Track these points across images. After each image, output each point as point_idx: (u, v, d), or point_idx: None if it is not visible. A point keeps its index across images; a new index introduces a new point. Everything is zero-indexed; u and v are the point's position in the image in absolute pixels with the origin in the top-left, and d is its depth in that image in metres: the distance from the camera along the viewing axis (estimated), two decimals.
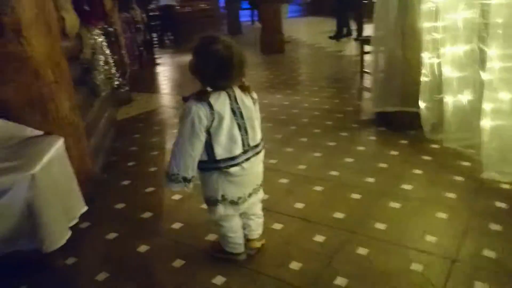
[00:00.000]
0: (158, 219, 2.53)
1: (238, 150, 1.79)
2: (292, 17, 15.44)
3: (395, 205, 2.45)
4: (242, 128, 1.79)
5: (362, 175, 2.86)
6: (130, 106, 5.22)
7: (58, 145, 2.25)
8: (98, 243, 2.33)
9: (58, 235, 2.05)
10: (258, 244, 2.12)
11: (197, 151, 1.74)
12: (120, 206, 2.70)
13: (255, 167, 1.91)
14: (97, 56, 3.02)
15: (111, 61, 3.41)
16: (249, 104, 1.83)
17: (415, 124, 3.42)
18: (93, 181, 2.79)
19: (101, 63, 3.06)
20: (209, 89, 1.75)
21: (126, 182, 3.05)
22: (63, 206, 2.16)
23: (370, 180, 2.78)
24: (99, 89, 3.09)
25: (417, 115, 3.36)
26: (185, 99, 1.79)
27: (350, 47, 8.14)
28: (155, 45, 11.58)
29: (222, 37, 1.74)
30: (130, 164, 3.38)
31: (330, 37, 9.16)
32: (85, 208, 2.44)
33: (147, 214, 2.58)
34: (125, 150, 3.70)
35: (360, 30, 8.66)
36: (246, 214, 2.08)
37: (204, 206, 2.00)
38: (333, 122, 4.00)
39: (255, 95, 1.91)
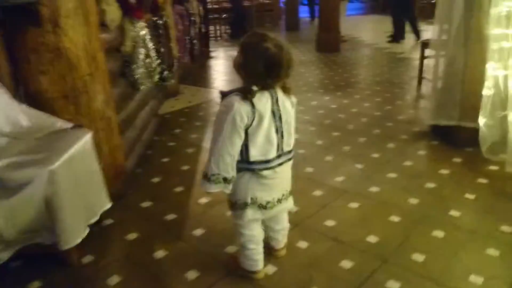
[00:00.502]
0: (181, 222, 2.44)
1: (273, 153, 1.73)
2: (353, 15, 14.91)
3: (439, 233, 2.18)
4: (279, 132, 1.73)
5: (405, 194, 2.59)
6: (176, 99, 5.22)
7: (85, 140, 2.22)
8: (117, 243, 2.28)
9: (74, 232, 2.01)
10: (283, 252, 2.08)
11: (237, 150, 1.67)
12: (146, 204, 2.65)
13: (286, 172, 1.86)
14: (138, 49, 2.98)
15: (153, 54, 3.37)
16: (289, 107, 1.76)
17: (473, 141, 3.07)
18: (123, 176, 2.76)
19: (142, 56, 3.02)
20: (254, 87, 1.64)
21: (157, 179, 3.00)
22: (84, 203, 2.13)
23: (414, 201, 2.51)
24: (138, 83, 3.05)
25: (476, 132, 3.01)
26: (224, 94, 1.71)
27: (412, 50, 7.64)
28: (211, 38, 11.71)
29: (271, 35, 1.65)
30: (164, 160, 3.33)
31: (389, 41, 8.66)
32: (109, 205, 2.40)
33: (171, 216, 2.50)
34: (163, 145, 3.67)
35: (416, 32, 8.19)
36: (272, 228, 2.00)
37: (229, 213, 1.88)
38: (381, 131, 3.71)
39: (294, 99, 1.81)
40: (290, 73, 1.68)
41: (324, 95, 5.04)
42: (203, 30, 8.89)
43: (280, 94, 1.71)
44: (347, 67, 6.62)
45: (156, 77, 3.46)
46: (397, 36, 8.79)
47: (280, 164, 1.77)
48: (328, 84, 5.60)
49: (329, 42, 8.07)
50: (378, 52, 7.95)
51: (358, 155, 3.21)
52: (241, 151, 1.69)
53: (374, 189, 2.68)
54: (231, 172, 1.69)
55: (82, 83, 2.36)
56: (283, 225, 2.04)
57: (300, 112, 4.33)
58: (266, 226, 2.00)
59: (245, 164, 1.72)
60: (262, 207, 1.80)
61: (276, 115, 1.70)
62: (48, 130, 2.22)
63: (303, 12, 13.77)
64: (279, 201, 1.85)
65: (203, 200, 2.65)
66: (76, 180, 2.06)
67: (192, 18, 7.01)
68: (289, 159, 1.83)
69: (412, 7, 8.50)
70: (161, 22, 4.28)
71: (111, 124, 2.60)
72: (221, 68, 7.47)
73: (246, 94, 1.63)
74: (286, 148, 1.78)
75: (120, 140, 2.72)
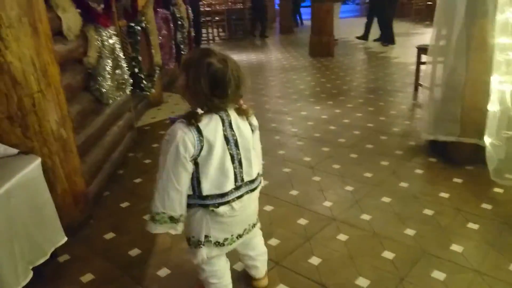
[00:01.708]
0: (145, 259, 2.14)
1: (229, 185, 1.49)
2: (348, 17, 14.67)
3: (439, 275, 1.89)
4: (236, 160, 1.50)
5: (400, 223, 2.31)
6: (158, 109, 4.93)
7: (31, 168, 1.92)
8: (70, 286, 1.97)
9: (12, 280, 1.71)
10: (265, 282, 1.88)
11: (184, 185, 1.45)
12: (109, 236, 2.35)
13: (248, 207, 1.60)
14: (105, 60, 2.67)
15: (124, 64, 3.07)
16: (246, 131, 1.53)
17: (475, 159, 2.80)
18: (84, 203, 2.46)
19: (109, 68, 2.71)
20: (199, 111, 1.43)
21: (125, 204, 2.70)
22: (26, 243, 1.83)
23: (410, 232, 2.22)
24: (105, 96, 2.75)
25: (478, 148, 2.74)
26: (172, 121, 1.47)
27: (407, 54, 7.37)
28: (203, 41, 11.42)
29: (216, 50, 1.46)
30: (136, 181, 3.03)
31: (357, 37, 8.65)
32: (64, 240, 2.11)
33: (135, 251, 2.20)
34: (137, 162, 3.37)
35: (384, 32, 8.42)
36: (248, 256, 1.79)
37: None
38: (374, 146, 3.42)
39: (255, 121, 1.60)
40: (242, 92, 1.47)
41: (314, 104, 4.75)
42: (192, 34, 8.63)
43: (233, 117, 1.49)
44: (340, 73, 6.34)
45: (129, 88, 3.15)
46: (386, 39, 8.62)
47: (240, 197, 1.52)
48: (319, 92, 5.31)
49: (322, 46, 7.80)
50: (372, 56, 7.68)
51: (348, 175, 2.92)
52: (192, 185, 1.48)
53: (365, 217, 2.39)
54: (179, 210, 1.48)
55: (30, 102, 2.06)
56: (260, 250, 1.82)
57: (288, 124, 4.05)
58: (242, 255, 1.79)
59: (198, 199, 1.50)
60: (219, 244, 1.57)
61: (231, 141, 1.48)
62: None
63: (304, 14, 13.49)
64: (240, 236, 1.62)
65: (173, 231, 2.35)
66: (14, 219, 1.75)
67: (179, 22, 6.72)
68: (252, 190, 1.57)
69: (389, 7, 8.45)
70: (138, 28, 3.99)
71: (67, 145, 2.29)
72: None
73: (190, 119, 1.41)
74: (246, 178, 1.54)
75: (80, 163, 2.41)
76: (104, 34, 2.74)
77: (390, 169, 2.99)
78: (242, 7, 12.08)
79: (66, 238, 2.13)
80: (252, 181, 1.56)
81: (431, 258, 2.01)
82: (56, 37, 2.31)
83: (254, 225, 1.68)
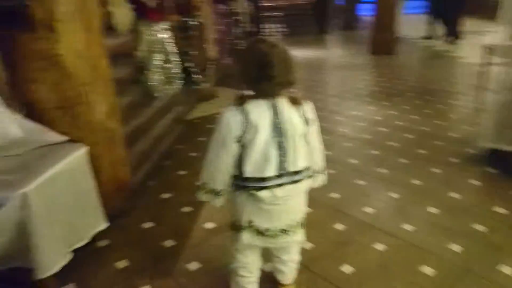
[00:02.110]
0: (178, 251, 2.18)
1: (271, 171, 1.48)
2: (413, 14, 13.93)
3: None
4: (282, 148, 1.48)
5: (446, 237, 2.15)
6: (210, 103, 5.00)
7: (75, 155, 2.03)
8: (104, 272, 2.05)
9: (52, 260, 1.81)
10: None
11: (225, 164, 1.51)
12: (147, 225, 2.42)
13: (292, 199, 1.56)
14: (154, 54, 2.75)
15: (174, 59, 3.14)
16: (297, 121, 1.49)
17: None
18: (127, 192, 2.56)
19: (158, 62, 2.79)
20: (249, 94, 1.48)
21: (167, 195, 2.77)
22: (68, 227, 1.93)
23: (456, 248, 2.06)
24: (154, 89, 2.83)
25: None
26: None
27: (474, 54, 6.84)
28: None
29: (271, 39, 1.48)
30: (181, 173, 3.10)
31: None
32: (104, 226, 2.21)
33: (169, 242, 2.25)
34: (184, 155, 3.44)
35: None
36: (279, 259, 1.76)
37: None
38: (427, 152, 3.22)
39: (310, 114, 1.54)
40: (292, 79, 1.45)
41: (369, 104, 4.57)
42: (252, 29, 8.67)
43: (284, 105, 1.48)
44: (400, 72, 6.05)
45: (178, 82, 3.23)
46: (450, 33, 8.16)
47: (281, 185, 1.50)
48: (376, 91, 5.10)
49: (383, 43, 7.49)
50: (436, 55, 7.24)
51: (395, 181, 2.77)
52: (238, 165, 1.51)
53: (407, 227, 2.26)
54: (218, 186, 1.55)
55: (78, 93, 2.17)
56: (291, 257, 1.77)
57: (338, 124, 3.94)
58: (274, 257, 1.77)
59: (240, 181, 1.52)
60: (260, 233, 1.57)
61: (279, 128, 1.47)
62: (39, 144, 2.05)
63: (364, 10, 13.05)
64: (284, 231, 1.59)
65: (209, 225, 2.38)
66: (58, 202, 1.86)
67: (237, 17, 6.78)
68: (295, 182, 1.53)
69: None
70: (192, 23, 4.07)
71: (113, 136, 2.40)
72: None
73: (238, 101, 1.46)
74: (291, 168, 1.50)
75: (125, 153, 2.51)
76: (154, 29, 2.82)
77: (442, 177, 2.80)
78: (304, 2, 11.91)
79: (106, 224, 2.23)
80: (296, 173, 1.52)
81: (475, 278, 1.85)
82: (107, 31, 2.42)
83: (298, 225, 1.63)
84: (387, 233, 2.21)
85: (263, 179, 1.48)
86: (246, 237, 1.57)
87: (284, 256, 1.75)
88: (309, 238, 2.18)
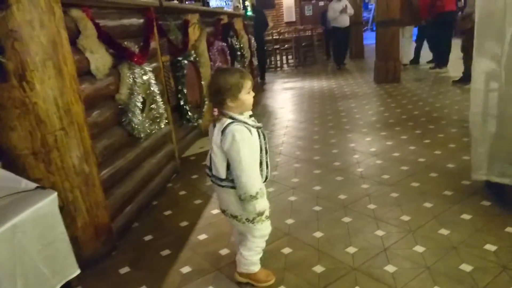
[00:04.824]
0: None
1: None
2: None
3: None
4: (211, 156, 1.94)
5: (428, 280, 2.02)
6: (207, 139, 5.00)
7: (45, 202, 2.02)
8: None
9: None
10: (236, 278, 2.15)
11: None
12: (124, 270, 2.38)
13: (220, 193, 1.98)
14: (136, 96, 2.78)
15: (159, 100, 3.16)
16: (215, 137, 1.87)
17: None
18: (106, 236, 2.53)
19: (139, 104, 2.82)
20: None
21: (148, 238, 2.73)
22: (35, 276, 1.90)
23: None
24: (136, 131, 2.85)
25: None
26: None
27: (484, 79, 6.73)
28: (270, 69, 11.58)
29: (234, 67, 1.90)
30: (166, 213, 3.07)
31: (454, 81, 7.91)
32: (76, 272, 2.17)
33: None
34: (173, 193, 3.42)
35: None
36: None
37: None
38: (420, 185, 3.10)
39: (229, 136, 1.78)
40: (222, 100, 1.81)
41: (366, 135, 4.50)
42: (255, 63, 8.79)
43: (219, 122, 1.86)
44: (402, 101, 5.97)
45: (163, 122, 3.24)
46: (440, 61, 8.36)
47: (210, 178, 1.99)
48: (375, 121, 5.03)
49: (387, 72, 7.47)
50: (442, 82, 7.13)
51: (384, 218, 2.66)
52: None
53: (390, 268, 2.14)
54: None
55: (53, 139, 2.20)
56: (240, 248, 2.10)
57: (332, 157, 3.86)
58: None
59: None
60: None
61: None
62: (8, 192, 2.06)
63: (370, 39, 13.13)
64: (224, 212, 2.03)
65: (185, 269, 2.31)
66: (20, 253, 1.84)
67: (238, 53, 6.88)
68: (219, 185, 1.93)
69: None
70: (185, 62, 4.14)
71: (90, 179, 2.39)
72: (269, 102, 7.17)
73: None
74: (214, 172, 1.92)
75: (103, 196, 2.50)
76: (137, 71, 2.86)
77: (433, 212, 2.67)
78: (310, 34, 12.07)
79: (78, 271, 2.19)
80: (218, 178, 1.90)
81: None
82: (84, 76, 2.47)
83: (237, 218, 1.95)
84: (368, 276, 2.10)
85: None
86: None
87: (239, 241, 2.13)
88: (285, 282, 2.11)
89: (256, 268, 2.07)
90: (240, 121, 1.82)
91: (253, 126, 1.85)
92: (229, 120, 1.81)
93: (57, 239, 2.09)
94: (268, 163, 1.95)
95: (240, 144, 1.74)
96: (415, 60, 9.27)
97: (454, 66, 7.78)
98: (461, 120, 4.70)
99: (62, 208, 2.19)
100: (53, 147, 2.21)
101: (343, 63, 10.43)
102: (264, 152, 1.90)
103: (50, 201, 2.06)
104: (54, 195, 2.10)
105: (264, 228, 2.00)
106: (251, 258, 2.05)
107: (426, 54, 9.03)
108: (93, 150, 2.43)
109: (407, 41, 9.04)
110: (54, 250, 2.06)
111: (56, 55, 2.16)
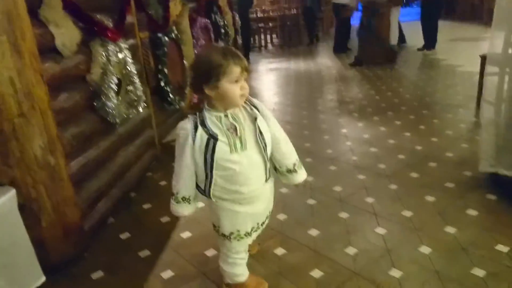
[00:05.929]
0: None
1: None
2: (411, 21, 13.71)
3: None
4: None
5: (438, 286, 1.82)
6: None
7: (1, 201, 1.72)
8: None
9: None
10: None
11: None
12: (97, 275, 2.11)
13: None
14: (109, 77, 2.46)
15: (136, 81, 2.84)
16: None
17: None
18: (80, 235, 2.24)
19: (114, 85, 2.50)
20: None
21: (125, 235, 2.45)
22: None
23: None
24: (112, 116, 2.54)
25: None
26: None
27: (474, 62, 6.57)
28: (254, 49, 11.20)
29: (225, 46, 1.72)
30: (145, 206, 2.79)
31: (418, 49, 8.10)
32: (41, 280, 1.90)
33: None
34: (153, 184, 3.14)
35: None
36: None
37: None
38: (420, 176, 2.90)
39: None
40: (194, 83, 1.58)
41: (358, 120, 4.28)
42: (239, 41, 8.41)
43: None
44: (394, 84, 5.76)
45: (142, 106, 2.93)
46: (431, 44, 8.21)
47: None
48: (366, 106, 4.80)
49: (378, 54, 7.23)
50: (433, 65, 6.95)
51: (384, 213, 2.45)
52: None
53: (395, 272, 1.93)
54: None
55: (10, 127, 1.88)
56: None
57: (324, 144, 3.63)
58: None
59: None
60: None
61: None
62: None
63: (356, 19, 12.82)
64: None
65: (167, 274, 2.06)
66: None
67: (222, 30, 6.51)
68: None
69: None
70: (166, 39, 3.79)
71: (56, 173, 2.09)
72: (254, 83, 6.85)
73: None
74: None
75: (72, 192, 2.20)
76: (111, 48, 2.53)
77: (436, 207, 2.48)
78: (296, 12, 11.69)
79: (43, 278, 1.92)
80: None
81: None
82: (48, 54, 2.13)
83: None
84: (371, 281, 1.89)
85: None
86: None
87: None
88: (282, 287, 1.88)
89: (242, 278, 1.80)
90: (201, 118, 1.54)
91: (212, 136, 1.51)
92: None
93: (15, 243, 1.80)
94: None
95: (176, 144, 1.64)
96: (402, 39, 9.03)
97: (442, 49, 7.62)
98: (455, 105, 4.52)
99: (23, 207, 1.91)
100: (11, 137, 1.89)
101: (347, 48, 9.21)
102: (209, 165, 1.56)
103: (7, 200, 1.78)
104: (12, 192, 1.82)
105: (240, 245, 1.73)
106: (232, 270, 1.78)
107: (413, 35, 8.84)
108: (59, 139, 2.11)
109: (394, 21, 8.78)
110: (11, 257, 1.77)
111: (11, 29, 1.82)
